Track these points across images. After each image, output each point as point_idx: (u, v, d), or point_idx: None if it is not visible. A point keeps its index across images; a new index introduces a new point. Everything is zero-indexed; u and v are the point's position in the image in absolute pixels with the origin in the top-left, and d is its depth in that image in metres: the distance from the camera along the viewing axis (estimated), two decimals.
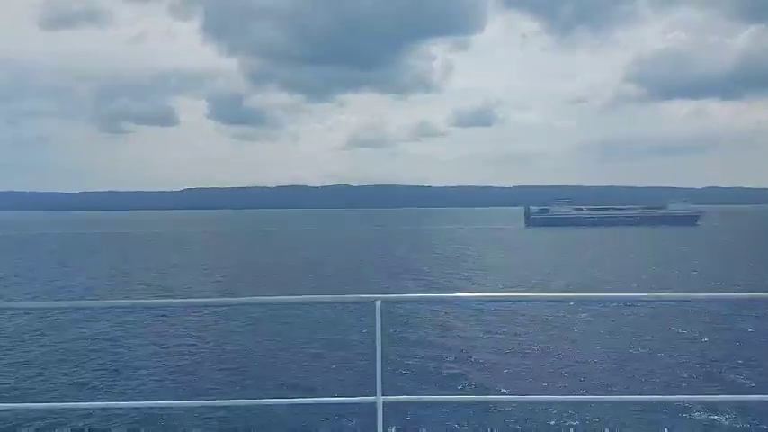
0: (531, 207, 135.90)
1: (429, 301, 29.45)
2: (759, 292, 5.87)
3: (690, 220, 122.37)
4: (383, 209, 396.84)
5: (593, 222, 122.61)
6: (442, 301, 28.12)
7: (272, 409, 15.32)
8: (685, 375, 19.09)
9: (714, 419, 14.82)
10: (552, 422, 14.87)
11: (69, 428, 14.54)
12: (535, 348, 22.34)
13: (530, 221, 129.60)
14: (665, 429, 14.44)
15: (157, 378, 19.36)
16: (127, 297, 35.65)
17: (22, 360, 21.61)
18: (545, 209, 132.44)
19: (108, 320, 27.38)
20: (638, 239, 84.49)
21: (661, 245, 74.32)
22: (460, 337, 24.05)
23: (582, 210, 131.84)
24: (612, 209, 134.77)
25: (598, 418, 15.00)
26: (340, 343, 23.16)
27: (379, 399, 3.96)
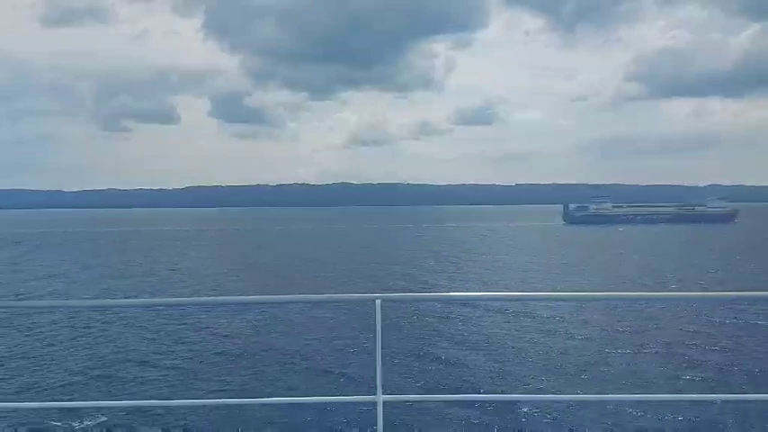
0: (569, 204, 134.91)
1: (429, 300, 29.45)
2: (759, 292, 5.87)
3: (727, 217, 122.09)
4: (385, 207, 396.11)
5: (632, 220, 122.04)
6: (442, 300, 28.17)
7: (272, 409, 15.36)
8: (686, 375, 19.11)
9: (714, 419, 14.85)
10: (552, 421, 14.91)
11: (68, 428, 14.61)
12: (535, 348, 22.35)
13: (569, 219, 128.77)
14: (666, 428, 14.48)
15: (157, 377, 19.41)
16: (127, 297, 35.65)
17: (21, 359, 21.68)
18: (584, 206, 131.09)
19: (107, 320, 27.42)
20: (686, 238, 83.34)
21: (712, 243, 72.89)
22: (460, 337, 24.07)
23: (621, 207, 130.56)
24: (651, 206, 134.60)
25: (598, 417, 15.04)
26: (340, 342, 23.21)
27: (380, 398, 3.98)
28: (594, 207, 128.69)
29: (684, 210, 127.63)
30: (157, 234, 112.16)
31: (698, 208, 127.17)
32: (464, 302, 28.83)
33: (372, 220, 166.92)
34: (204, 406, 15.45)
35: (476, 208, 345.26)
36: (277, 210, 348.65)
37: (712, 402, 15.35)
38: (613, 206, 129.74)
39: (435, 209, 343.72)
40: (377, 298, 3.94)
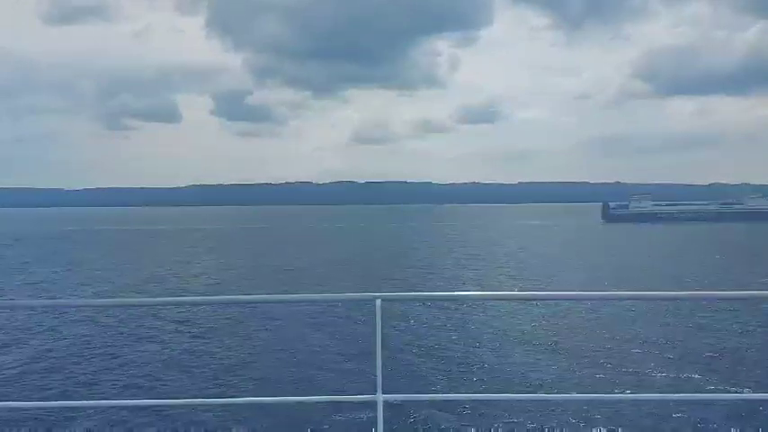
0: (609, 202, 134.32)
1: (429, 299, 29.47)
2: (759, 292, 5.88)
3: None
4: (389, 205, 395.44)
5: (672, 218, 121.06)
6: (442, 300, 28.19)
7: (272, 408, 15.39)
8: (685, 374, 19.09)
9: (714, 419, 14.85)
10: (552, 421, 14.91)
11: (67, 428, 14.66)
12: (535, 347, 22.34)
13: (609, 217, 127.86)
14: (666, 428, 14.49)
15: (156, 377, 19.43)
16: (126, 296, 35.61)
17: (20, 358, 21.70)
18: (624, 204, 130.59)
19: (108, 320, 27.42)
20: (737, 236, 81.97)
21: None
22: (460, 336, 24.05)
23: (661, 205, 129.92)
24: (691, 204, 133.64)
25: (598, 417, 15.03)
26: (340, 342, 23.23)
27: (380, 397, 4.00)
28: (634, 205, 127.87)
29: (725, 207, 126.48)
30: (162, 233, 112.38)
31: (737, 206, 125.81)
32: (464, 302, 28.83)
33: (388, 220, 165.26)
34: (203, 405, 15.51)
35: (486, 207, 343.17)
36: (283, 208, 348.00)
37: (712, 402, 15.35)
38: (654, 204, 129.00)
39: (445, 207, 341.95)
40: (377, 297, 3.95)
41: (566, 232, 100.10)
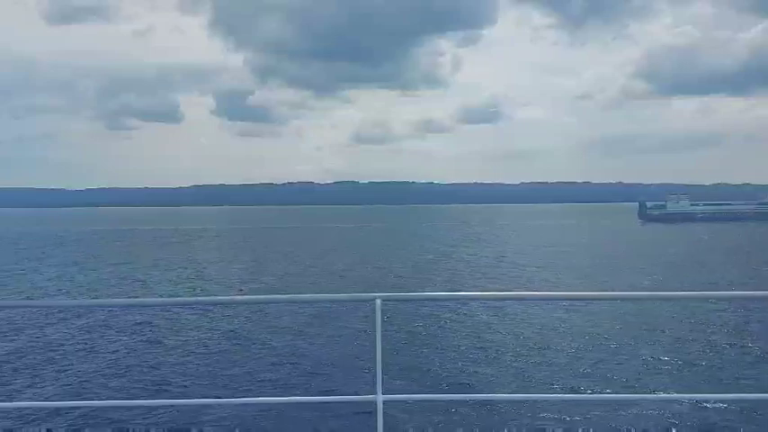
0: (646, 202, 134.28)
1: (429, 299, 29.48)
2: (759, 292, 5.87)
3: None
4: (392, 206, 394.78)
5: (710, 218, 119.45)
6: (442, 300, 28.18)
7: (272, 408, 15.41)
8: (685, 374, 19.11)
9: (714, 419, 14.85)
10: (552, 420, 14.92)
11: (66, 427, 14.72)
12: (535, 347, 22.35)
13: (646, 217, 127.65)
14: (666, 428, 14.48)
15: (156, 377, 19.49)
16: (126, 297, 35.66)
17: (20, 358, 21.78)
18: (661, 204, 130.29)
19: (107, 319, 27.49)
20: None
21: None
22: (460, 336, 24.08)
23: (698, 205, 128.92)
24: (728, 204, 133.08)
25: (598, 417, 15.03)
26: (340, 342, 23.26)
27: (380, 397, 3.99)
28: (672, 205, 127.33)
29: (762, 207, 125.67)
30: (168, 233, 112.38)
31: None
32: (464, 302, 28.82)
33: (413, 220, 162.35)
34: (203, 405, 15.54)
35: (496, 207, 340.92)
36: (287, 208, 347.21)
37: (712, 402, 15.34)
38: (691, 204, 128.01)
39: (452, 207, 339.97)
40: (377, 297, 3.95)
41: (611, 233, 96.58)
